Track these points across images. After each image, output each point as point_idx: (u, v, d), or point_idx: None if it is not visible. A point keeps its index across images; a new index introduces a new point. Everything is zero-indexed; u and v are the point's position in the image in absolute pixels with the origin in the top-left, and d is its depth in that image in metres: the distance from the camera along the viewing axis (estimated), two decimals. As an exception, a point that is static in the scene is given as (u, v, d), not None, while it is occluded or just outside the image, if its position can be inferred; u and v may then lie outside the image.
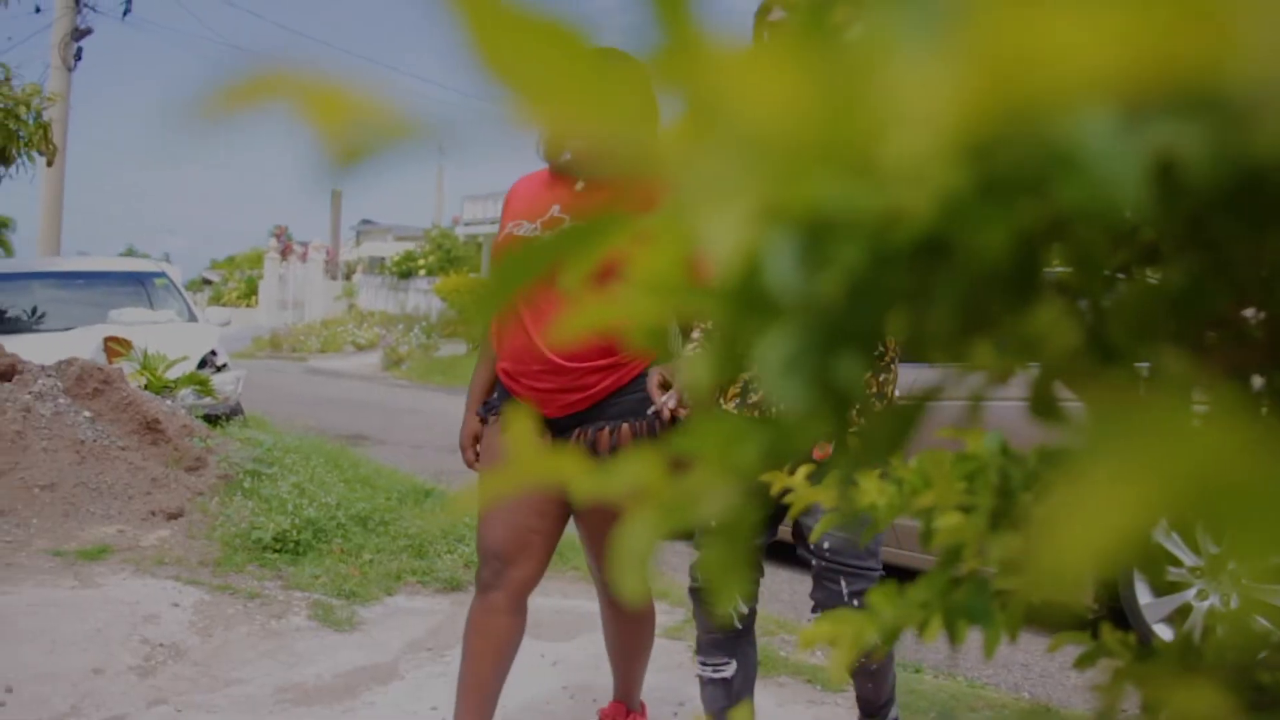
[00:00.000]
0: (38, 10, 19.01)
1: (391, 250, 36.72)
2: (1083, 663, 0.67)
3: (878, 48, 0.17)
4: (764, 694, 3.49)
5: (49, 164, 10.46)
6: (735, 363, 0.24)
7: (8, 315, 10.11)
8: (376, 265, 36.51)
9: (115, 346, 8.09)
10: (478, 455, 2.67)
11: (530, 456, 0.28)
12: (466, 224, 31.05)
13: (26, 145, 9.15)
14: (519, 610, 2.54)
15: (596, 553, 2.59)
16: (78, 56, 16.47)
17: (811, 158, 0.17)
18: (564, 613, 4.36)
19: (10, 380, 5.97)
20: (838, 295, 0.21)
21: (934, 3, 0.17)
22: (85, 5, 16.63)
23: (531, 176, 2.54)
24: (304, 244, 37.38)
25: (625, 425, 2.34)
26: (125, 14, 16.73)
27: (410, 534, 4.98)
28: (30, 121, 9.03)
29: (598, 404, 2.35)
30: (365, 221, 45.83)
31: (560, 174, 2.41)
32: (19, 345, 6.69)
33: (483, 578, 2.52)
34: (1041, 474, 0.65)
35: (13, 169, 9.64)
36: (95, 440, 5.61)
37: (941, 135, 0.17)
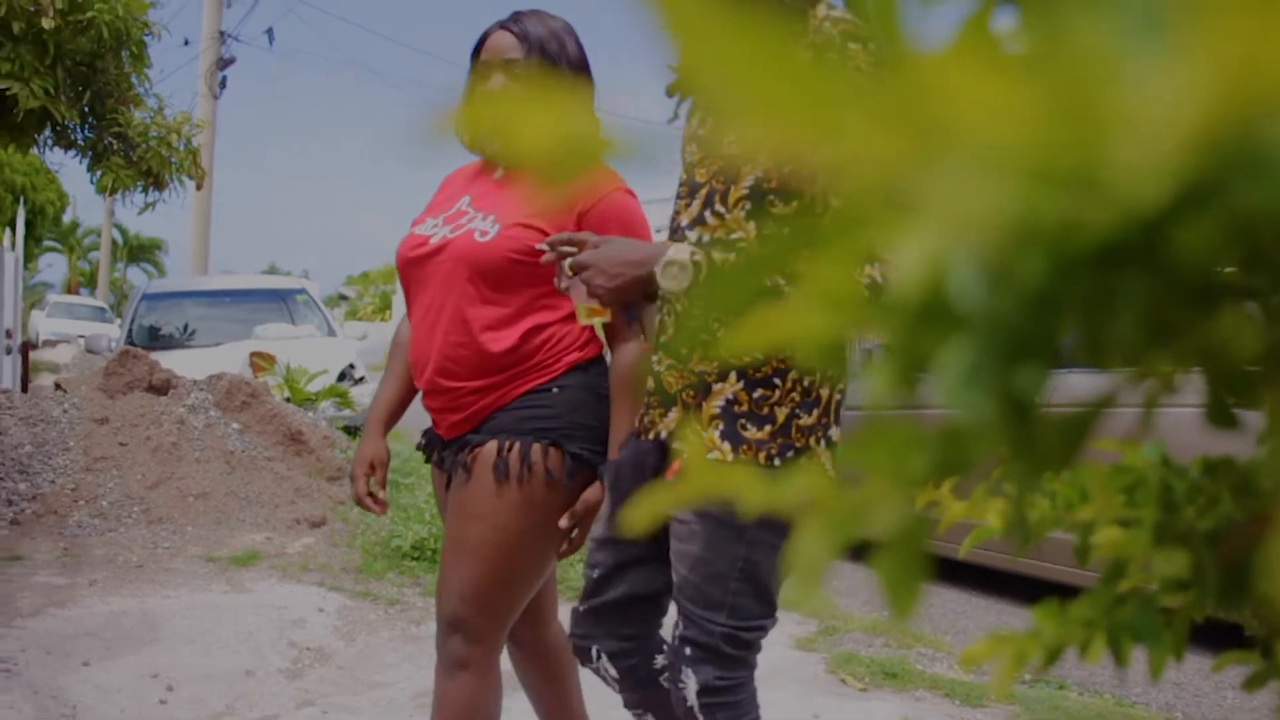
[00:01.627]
0: (186, 43, 20.24)
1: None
2: (1253, 684, 0.64)
3: (1101, 54, 0.16)
4: (901, 708, 3.42)
5: (198, 187, 10.98)
6: (913, 376, 0.24)
7: (162, 333, 10.65)
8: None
9: (260, 361, 8.43)
10: (367, 484, 2.27)
11: (700, 470, 0.28)
12: (593, 236, 31.37)
13: (177, 170, 9.61)
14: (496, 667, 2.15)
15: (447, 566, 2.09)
16: (223, 85, 17.27)
17: (1035, 168, 0.16)
18: (695, 623, 4.37)
19: (166, 394, 6.28)
20: (1022, 305, 0.21)
21: (1154, 8, 0.16)
22: (229, 37, 17.42)
23: (463, 168, 2.30)
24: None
25: (492, 441, 1.99)
26: (271, 43, 17.49)
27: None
28: (181, 148, 9.50)
29: (479, 425, 2.05)
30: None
31: (489, 163, 2.18)
32: (173, 361, 7.04)
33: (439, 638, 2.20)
34: (1207, 486, 0.62)
35: (165, 193, 10.14)
36: (244, 451, 5.85)
37: (1174, 142, 0.16)
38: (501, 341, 1.99)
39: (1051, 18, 0.18)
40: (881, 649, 4.13)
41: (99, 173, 9.46)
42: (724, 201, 1.75)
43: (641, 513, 0.28)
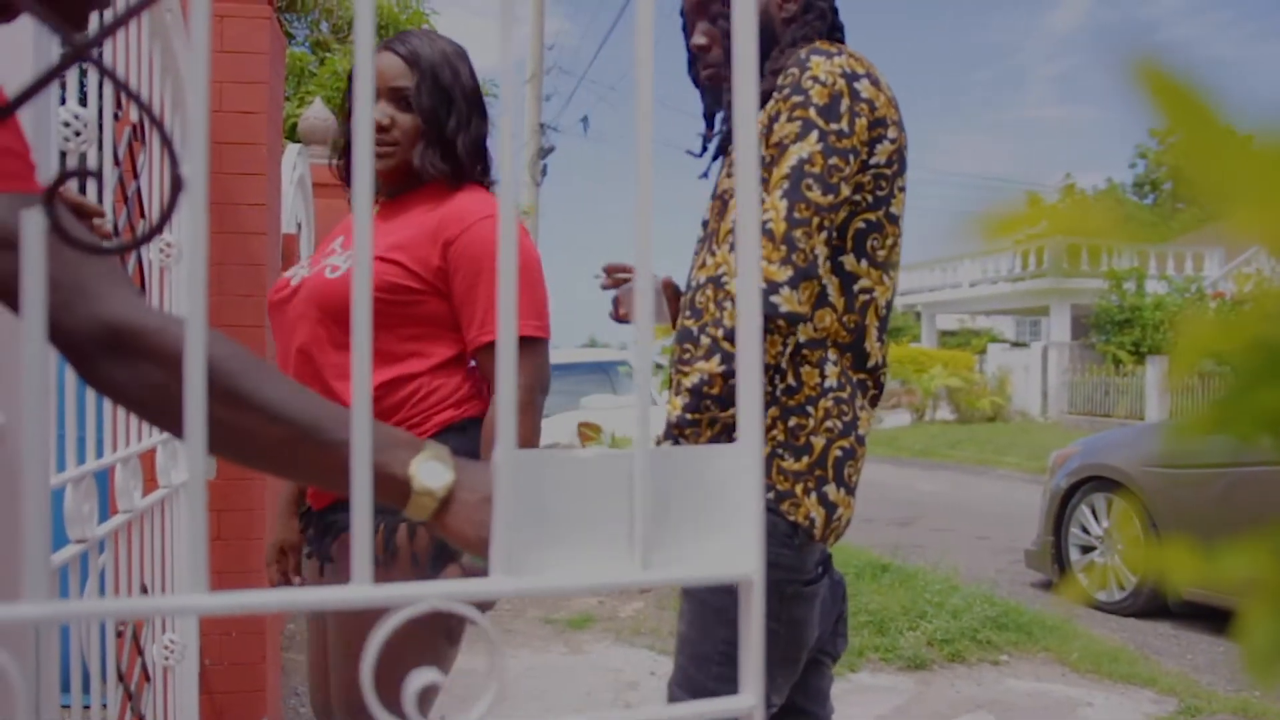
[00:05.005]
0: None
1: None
2: None
3: None
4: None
5: (526, 270, 11.71)
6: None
7: (497, 406, 11.38)
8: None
9: (588, 431, 8.82)
10: (286, 576, 2.04)
11: (1134, 544, 0.28)
12: (904, 293, 30.84)
13: (508, 255, 10.36)
14: None
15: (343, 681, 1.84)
16: (544, 172, 18.48)
17: None
18: (1038, 696, 4.11)
19: (504, 464, 6.70)
20: None
21: None
22: (549, 127, 18.66)
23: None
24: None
25: (381, 524, 1.73)
26: (585, 130, 18.63)
27: (870, 610, 4.94)
28: (511, 234, 10.24)
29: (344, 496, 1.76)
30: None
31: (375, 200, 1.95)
32: (509, 433, 7.50)
33: None
34: None
35: (498, 277, 10.88)
36: (575, 517, 6.13)
37: None
38: None
39: None
40: (1256, 733, 3.73)
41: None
42: (716, 239, 1.74)
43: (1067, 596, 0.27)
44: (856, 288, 1.69)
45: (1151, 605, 5.56)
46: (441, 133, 1.84)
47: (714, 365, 1.61)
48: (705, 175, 1.91)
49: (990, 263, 25.96)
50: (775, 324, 1.59)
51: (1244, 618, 0.26)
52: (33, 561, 0.42)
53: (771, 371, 1.66)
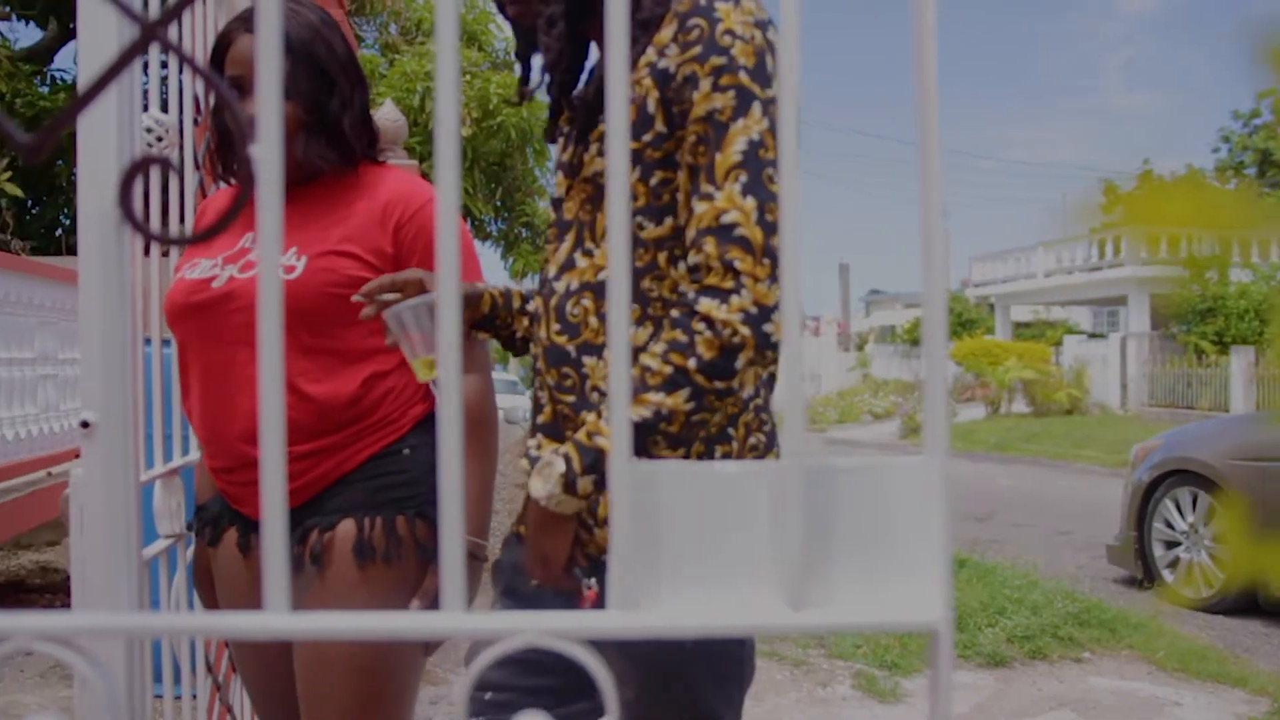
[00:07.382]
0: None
1: (902, 318, 36.73)
2: None
3: None
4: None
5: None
6: None
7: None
8: (888, 334, 36.70)
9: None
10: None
11: (1243, 549, 0.26)
12: (976, 285, 30.36)
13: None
14: None
15: None
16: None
17: None
18: (1123, 695, 4.02)
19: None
20: None
21: None
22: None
23: (216, 197, 1.89)
24: (815, 319, 38.46)
25: (347, 520, 1.61)
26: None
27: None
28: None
29: (316, 497, 1.64)
30: (874, 291, 46.49)
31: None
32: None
33: None
34: None
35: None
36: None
37: None
38: (339, 394, 1.62)
39: None
40: (1354, 734, 3.61)
41: (511, 259, 10.46)
42: (592, 236, 1.40)
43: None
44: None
45: (1241, 603, 5.40)
46: (325, 118, 1.67)
47: (680, 401, 1.25)
48: (554, 145, 1.57)
49: (1065, 252, 25.44)
50: (764, 355, 1.25)
51: None
52: (119, 572, 0.41)
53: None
